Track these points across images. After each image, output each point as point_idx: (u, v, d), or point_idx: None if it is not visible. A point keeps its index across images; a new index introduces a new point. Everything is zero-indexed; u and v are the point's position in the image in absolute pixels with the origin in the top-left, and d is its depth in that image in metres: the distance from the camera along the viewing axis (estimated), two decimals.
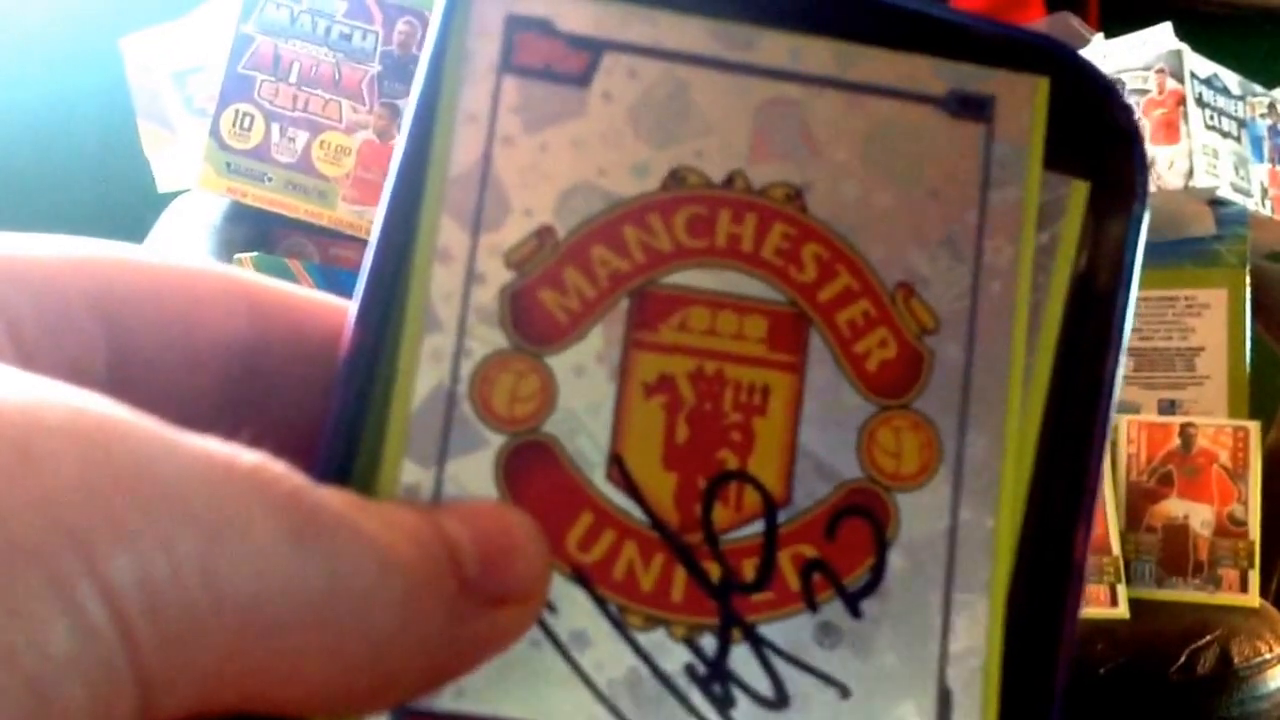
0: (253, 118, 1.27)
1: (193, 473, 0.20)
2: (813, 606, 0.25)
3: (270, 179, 1.27)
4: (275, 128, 1.28)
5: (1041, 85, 0.27)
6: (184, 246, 1.32)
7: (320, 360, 0.27)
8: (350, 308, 0.25)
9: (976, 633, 0.26)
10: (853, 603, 0.25)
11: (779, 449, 0.26)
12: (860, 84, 0.27)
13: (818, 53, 0.27)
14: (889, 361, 0.26)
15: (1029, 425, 0.27)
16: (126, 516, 0.18)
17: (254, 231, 1.29)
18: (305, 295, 0.28)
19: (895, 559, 0.26)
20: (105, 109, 1.58)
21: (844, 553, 0.26)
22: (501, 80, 0.26)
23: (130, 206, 1.41)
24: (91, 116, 1.88)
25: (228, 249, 1.26)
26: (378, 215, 0.26)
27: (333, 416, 0.25)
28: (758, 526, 0.26)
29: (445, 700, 0.24)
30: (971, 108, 0.27)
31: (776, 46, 0.27)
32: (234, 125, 1.27)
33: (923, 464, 0.26)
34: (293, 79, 1.29)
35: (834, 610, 0.25)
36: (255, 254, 1.20)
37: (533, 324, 0.26)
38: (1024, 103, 0.27)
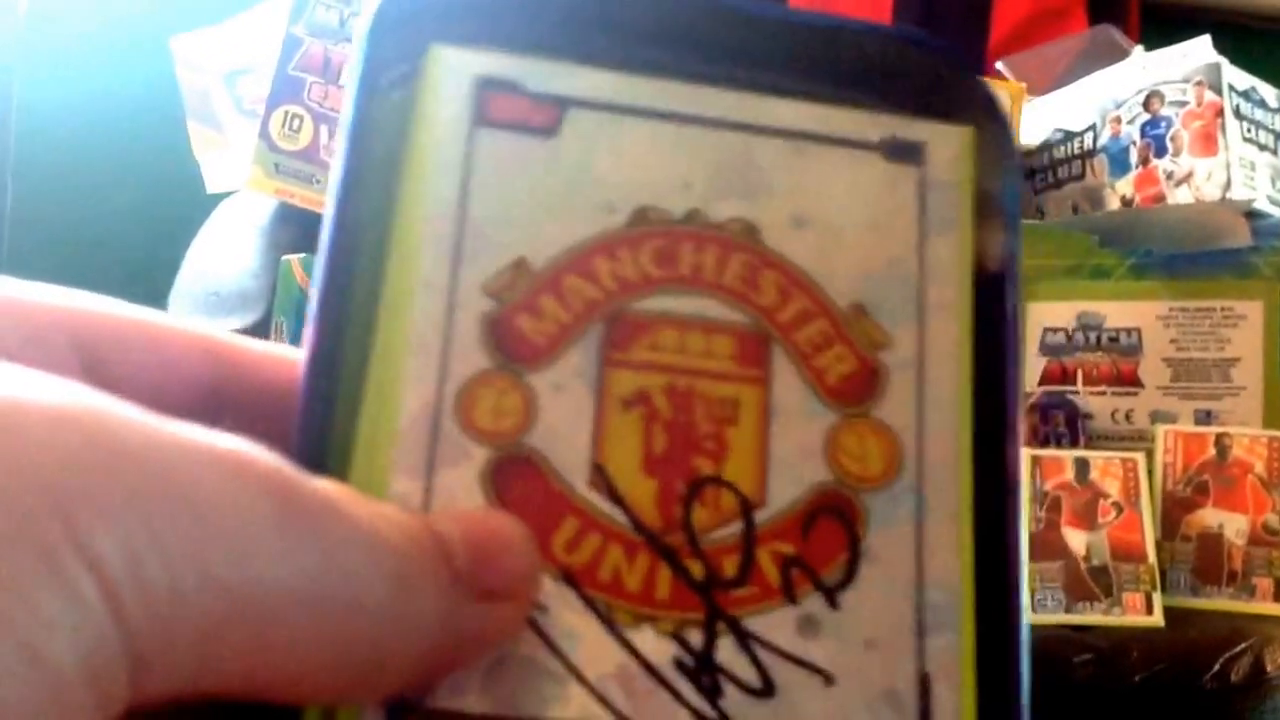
0: (302, 119, 1.28)
1: (176, 455, 0.20)
2: (793, 600, 0.27)
3: (319, 181, 1.27)
4: (324, 129, 1.28)
5: (967, 133, 0.30)
6: (232, 247, 1.33)
7: (274, 402, 0.28)
8: (309, 317, 0.27)
9: (949, 619, 0.27)
10: (831, 595, 0.27)
11: (751, 455, 0.28)
12: (803, 132, 0.30)
13: (761, 107, 0.30)
14: (847, 374, 0.29)
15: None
16: (109, 494, 0.19)
17: (302, 233, 1.29)
18: (260, 346, 0.29)
19: (868, 554, 0.27)
20: (155, 109, 1.58)
21: (819, 549, 0.27)
22: (474, 132, 0.28)
23: (179, 206, 1.41)
24: (141, 117, 1.87)
25: (275, 250, 1.26)
26: (324, 234, 0.27)
27: (300, 424, 0.26)
28: (736, 527, 0.27)
29: (440, 697, 0.25)
30: (905, 153, 0.30)
31: (724, 102, 0.30)
32: (283, 127, 1.27)
33: (886, 466, 0.28)
34: (342, 81, 1.30)
35: (814, 603, 0.27)
36: (302, 255, 1.20)
37: (512, 346, 0.27)
38: (953, 148, 0.30)
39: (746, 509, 0.27)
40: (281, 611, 0.20)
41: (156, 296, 1.37)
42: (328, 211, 0.27)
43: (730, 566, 0.27)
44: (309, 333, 0.27)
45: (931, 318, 0.29)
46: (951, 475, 0.28)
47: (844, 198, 0.30)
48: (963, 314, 0.29)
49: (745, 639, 0.26)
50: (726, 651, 0.26)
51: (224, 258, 1.33)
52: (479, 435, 0.27)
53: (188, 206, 1.42)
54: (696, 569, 0.27)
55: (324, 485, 0.22)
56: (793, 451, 0.28)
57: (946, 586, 0.27)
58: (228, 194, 1.40)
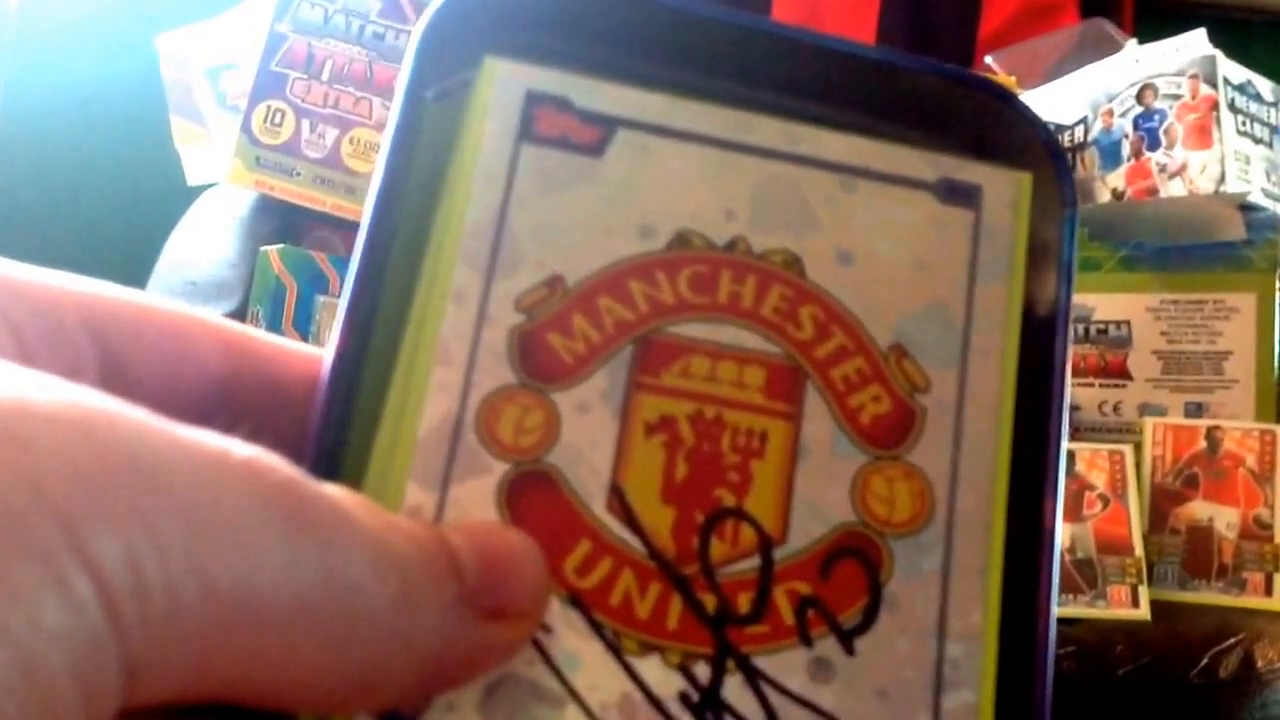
0: (284, 114, 1.29)
1: (183, 462, 0.20)
2: (807, 642, 0.26)
3: (299, 174, 1.28)
4: (305, 124, 1.29)
5: (1024, 179, 0.30)
6: (211, 237, 1.32)
7: (287, 396, 0.28)
8: (336, 320, 0.26)
9: (969, 676, 0.26)
10: (847, 640, 0.26)
11: (775, 490, 0.27)
12: (854, 167, 0.29)
13: (813, 139, 0.29)
14: (882, 416, 0.28)
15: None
16: (111, 499, 0.19)
17: (281, 225, 1.30)
18: (275, 340, 0.29)
19: (889, 601, 0.26)
20: (138, 103, 1.60)
21: (838, 592, 0.26)
22: (520, 146, 0.28)
23: (160, 198, 1.43)
24: (124, 110, 1.90)
25: (255, 241, 1.26)
26: (359, 240, 0.27)
27: (318, 426, 0.26)
28: (753, 562, 0.26)
29: (436, 713, 0.24)
30: (960, 195, 0.29)
31: (774, 131, 0.29)
32: (265, 121, 1.28)
33: (915, 512, 0.27)
34: (325, 77, 1.30)
35: (828, 646, 0.26)
36: (281, 246, 1.21)
37: (540, 363, 0.27)
38: (1010, 193, 0.29)
39: (765, 545, 0.26)
40: (281, 620, 0.20)
41: (136, 285, 1.36)
42: (365, 213, 0.27)
43: (744, 602, 0.26)
44: (335, 335, 0.26)
45: (975, 364, 0.28)
46: (983, 527, 0.27)
47: (893, 236, 0.29)
48: (1008, 362, 0.28)
49: (754, 678, 0.26)
50: (733, 689, 0.25)
51: (202, 248, 1.33)
52: (499, 450, 0.26)
53: (169, 197, 1.43)
54: (709, 602, 0.26)
55: (335, 493, 0.22)
56: (818, 490, 0.27)
57: (968, 642, 0.26)
58: (208, 186, 1.40)
